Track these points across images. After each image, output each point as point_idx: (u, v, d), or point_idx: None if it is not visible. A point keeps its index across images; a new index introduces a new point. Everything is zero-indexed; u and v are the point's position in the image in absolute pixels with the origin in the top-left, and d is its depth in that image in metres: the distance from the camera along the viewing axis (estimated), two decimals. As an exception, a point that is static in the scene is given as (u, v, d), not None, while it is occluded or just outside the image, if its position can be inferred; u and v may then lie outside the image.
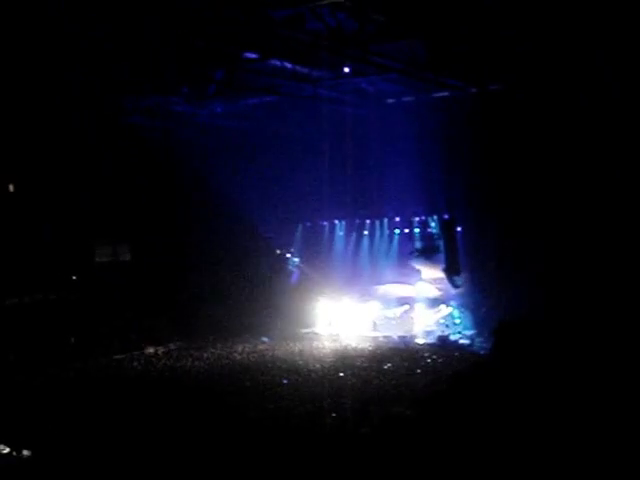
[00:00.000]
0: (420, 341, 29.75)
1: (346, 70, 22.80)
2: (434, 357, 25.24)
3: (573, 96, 23.58)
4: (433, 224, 31.56)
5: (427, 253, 31.00)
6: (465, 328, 30.19)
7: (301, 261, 35.47)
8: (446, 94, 25.84)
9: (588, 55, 20.71)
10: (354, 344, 28.91)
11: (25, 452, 13.95)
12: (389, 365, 23.79)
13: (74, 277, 29.80)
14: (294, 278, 35.31)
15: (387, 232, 33.76)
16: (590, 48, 20.18)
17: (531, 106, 25.11)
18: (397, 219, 33.22)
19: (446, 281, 30.36)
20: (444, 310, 31.29)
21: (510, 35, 19.65)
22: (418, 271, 32.43)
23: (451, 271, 29.43)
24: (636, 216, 23.19)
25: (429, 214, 31.66)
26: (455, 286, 29.94)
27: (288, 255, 35.56)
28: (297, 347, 28.60)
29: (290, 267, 35.47)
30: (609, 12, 17.98)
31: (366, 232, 34.34)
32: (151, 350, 28.05)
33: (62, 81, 21.86)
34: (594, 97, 22.88)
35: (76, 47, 18.98)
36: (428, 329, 30.94)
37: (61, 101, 23.55)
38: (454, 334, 29.65)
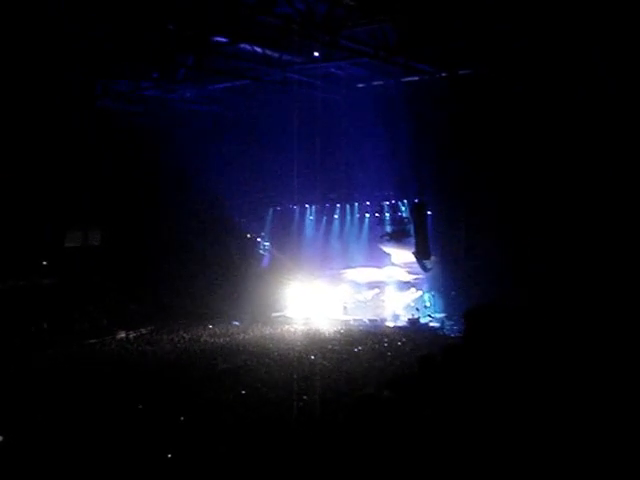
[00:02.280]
0: (390, 324, 29.98)
1: (316, 54, 22.78)
2: (404, 340, 25.42)
3: (543, 79, 23.76)
4: (403, 208, 31.73)
5: (397, 237, 31.13)
6: (435, 311, 30.50)
7: (272, 245, 35.53)
8: (416, 78, 25.91)
9: (563, 42, 20.90)
10: (325, 328, 29.05)
11: (-3, 437, 13.93)
12: (360, 348, 23.92)
13: (44, 262, 29.62)
14: (265, 262, 35.37)
15: (358, 216, 33.92)
16: (572, 38, 20.40)
17: (501, 90, 25.27)
18: (367, 203, 33.38)
19: (416, 265, 30.53)
20: (414, 293, 31.55)
21: (483, 19, 19.72)
22: (388, 255, 32.60)
23: (421, 255, 29.57)
24: (608, 201, 23.45)
25: (399, 198, 31.82)
26: (425, 270, 30.14)
27: (259, 239, 35.61)
28: (268, 331, 28.69)
29: (261, 251, 35.52)
30: (601, 9, 18.20)
31: (337, 216, 34.46)
32: (122, 335, 27.95)
33: (30, 65, 21.61)
34: (565, 80, 23.10)
35: (47, 31, 18.79)
36: (398, 312, 31.20)
37: (30, 85, 23.30)
38: (424, 317, 29.92)
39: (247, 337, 27.28)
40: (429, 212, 29.94)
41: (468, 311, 7.31)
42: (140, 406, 16.64)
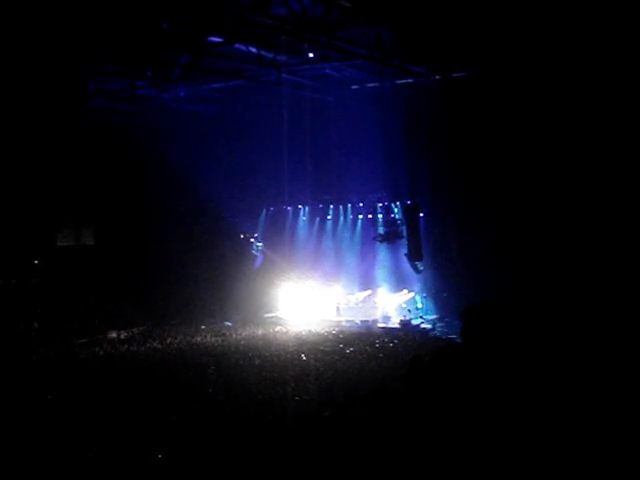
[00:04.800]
0: (382, 325, 30.01)
1: (311, 55, 22.80)
2: (396, 341, 25.46)
3: (538, 83, 23.85)
4: (396, 210, 31.80)
5: (390, 238, 31.23)
6: (427, 313, 30.55)
7: (265, 246, 35.52)
8: (410, 81, 25.96)
9: (559, 46, 20.98)
10: (317, 328, 29.08)
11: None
12: (352, 349, 23.94)
13: (36, 261, 29.55)
14: (258, 262, 35.37)
15: (350, 217, 33.97)
16: (570, 43, 20.48)
17: (494, 93, 25.33)
18: (361, 204, 33.46)
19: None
20: (406, 295, 31.59)
21: (476, 22, 19.77)
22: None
23: (413, 256, 29.69)
24: (601, 200, 23.56)
25: (392, 200, 31.90)
26: (417, 271, 30.23)
27: (252, 239, 35.59)
28: (261, 331, 28.72)
29: (254, 251, 35.51)
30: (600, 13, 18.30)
31: (330, 217, 34.50)
32: (114, 335, 27.89)
33: (22, 64, 21.53)
34: (561, 84, 23.21)
35: (41, 29, 18.74)
36: (390, 314, 31.24)
37: (21, 83, 23.23)
38: (416, 319, 29.96)
39: (239, 337, 27.28)
40: (422, 214, 30.04)
41: (467, 308, 7.34)
42: (129, 406, 16.62)
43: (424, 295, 31.16)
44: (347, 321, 30.80)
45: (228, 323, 30.62)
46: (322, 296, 32.85)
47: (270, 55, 22.69)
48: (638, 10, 17.97)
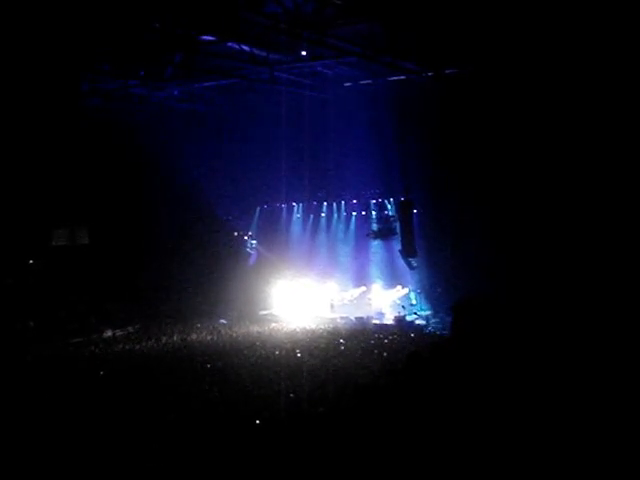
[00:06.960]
0: (377, 322, 30.08)
1: (303, 53, 22.85)
2: (390, 337, 25.52)
3: (531, 78, 23.94)
4: (390, 206, 31.88)
5: (384, 235, 31.32)
6: (421, 309, 30.63)
7: (259, 243, 35.57)
8: (403, 78, 26.03)
9: (552, 42, 21.06)
10: (312, 325, 29.13)
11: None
12: (346, 346, 24.01)
13: (31, 261, 29.56)
14: (252, 260, 35.43)
15: (344, 214, 34.03)
16: (564, 38, 20.56)
17: (487, 89, 25.41)
18: (354, 201, 33.53)
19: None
20: (400, 291, 31.67)
21: (468, 19, 19.83)
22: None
23: (407, 253, 29.77)
24: (596, 198, 23.66)
25: (386, 196, 31.97)
26: (411, 267, 30.32)
27: (246, 237, 35.65)
28: (255, 329, 28.77)
29: (248, 249, 35.57)
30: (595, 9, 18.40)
31: (324, 214, 34.56)
32: (109, 333, 27.92)
33: (18, 62, 21.54)
34: (551, 78, 23.29)
35: (34, 29, 18.75)
36: (384, 310, 31.30)
37: (14, 83, 23.22)
38: (410, 315, 30.04)
39: (234, 335, 27.32)
40: (415, 210, 30.11)
41: (456, 303, 7.44)
42: (126, 404, 16.66)
43: (418, 291, 31.22)
44: (341, 318, 30.84)
45: (223, 321, 30.66)
46: (316, 293, 32.91)
47: (263, 53, 22.75)
48: (630, 7, 18.08)
